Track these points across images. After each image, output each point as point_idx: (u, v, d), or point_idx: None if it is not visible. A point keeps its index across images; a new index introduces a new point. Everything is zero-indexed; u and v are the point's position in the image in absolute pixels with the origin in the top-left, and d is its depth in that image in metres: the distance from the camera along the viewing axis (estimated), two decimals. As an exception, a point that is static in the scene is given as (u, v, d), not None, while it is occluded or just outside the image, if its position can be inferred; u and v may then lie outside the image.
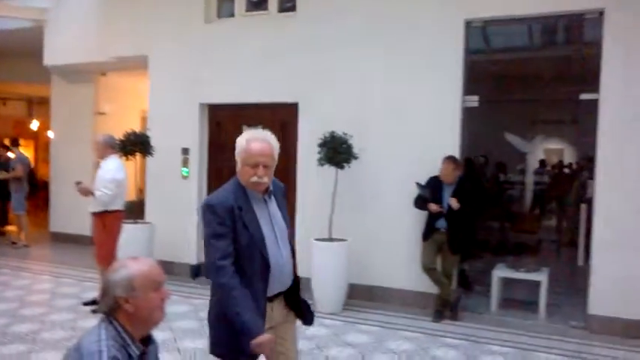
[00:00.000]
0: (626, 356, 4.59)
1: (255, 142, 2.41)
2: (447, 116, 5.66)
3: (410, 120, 5.80)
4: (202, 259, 6.95)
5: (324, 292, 5.64)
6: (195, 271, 6.85)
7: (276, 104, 6.49)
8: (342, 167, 5.62)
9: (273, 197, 2.56)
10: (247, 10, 6.84)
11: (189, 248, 6.91)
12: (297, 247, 2.70)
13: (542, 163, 13.12)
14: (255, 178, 2.40)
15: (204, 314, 5.42)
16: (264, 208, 2.50)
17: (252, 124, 6.78)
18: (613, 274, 5.03)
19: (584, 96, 5.57)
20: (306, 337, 4.85)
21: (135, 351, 1.84)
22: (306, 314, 2.67)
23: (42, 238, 9.38)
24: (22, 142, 13.90)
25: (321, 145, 5.61)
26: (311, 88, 6.24)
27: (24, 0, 8.75)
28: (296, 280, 2.62)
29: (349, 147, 5.59)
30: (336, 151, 5.55)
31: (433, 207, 5.30)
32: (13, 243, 8.94)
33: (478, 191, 5.79)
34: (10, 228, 9.21)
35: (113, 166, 5.47)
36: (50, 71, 8.98)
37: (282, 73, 6.38)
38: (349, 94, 6.07)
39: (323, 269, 5.63)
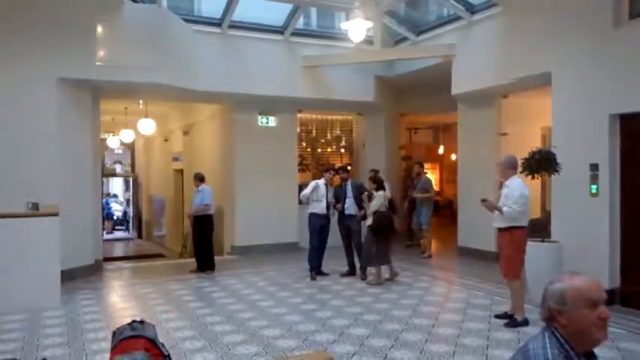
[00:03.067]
0: None
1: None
2: None
3: None
4: (617, 283, 6.35)
5: None
6: (610, 297, 6.26)
7: None
8: None
9: None
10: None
11: (602, 271, 6.37)
12: None
13: None
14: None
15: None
16: None
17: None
18: None
19: None
20: None
21: None
22: None
23: (450, 251, 10.33)
24: (429, 165, 15.89)
25: None
26: None
27: (435, 39, 9.96)
28: None
29: None
30: None
31: None
32: (422, 253, 10.13)
33: None
34: (421, 241, 10.50)
35: (520, 184, 5.67)
36: (456, 99, 9.87)
37: None
38: None
39: None
